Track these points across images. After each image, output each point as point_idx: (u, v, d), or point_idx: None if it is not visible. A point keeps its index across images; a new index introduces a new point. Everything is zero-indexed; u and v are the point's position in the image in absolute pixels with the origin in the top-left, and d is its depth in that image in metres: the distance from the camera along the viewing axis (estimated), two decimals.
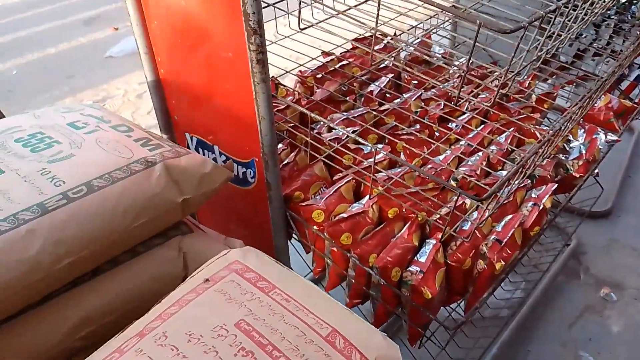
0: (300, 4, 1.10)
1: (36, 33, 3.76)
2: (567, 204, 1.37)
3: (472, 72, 1.42)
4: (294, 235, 1.12)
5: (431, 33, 1.61)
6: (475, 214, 1.01)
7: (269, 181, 0.97)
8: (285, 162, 1.13)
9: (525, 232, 1.01)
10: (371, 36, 1.52)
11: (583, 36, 1.98)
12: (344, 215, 1.00)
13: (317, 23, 1.10)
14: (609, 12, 2.15)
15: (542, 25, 0.89)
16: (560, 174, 1.22)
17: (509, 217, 1.01)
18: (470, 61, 1.48)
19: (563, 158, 1.25)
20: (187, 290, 0.62)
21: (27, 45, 3.58)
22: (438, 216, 1.00)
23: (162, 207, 0.82)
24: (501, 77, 0.76)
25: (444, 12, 1.49)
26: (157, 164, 0.81)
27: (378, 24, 1.22)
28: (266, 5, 1.23)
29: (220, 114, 1.00)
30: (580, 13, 0.93)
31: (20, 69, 3.30)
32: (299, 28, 1.11)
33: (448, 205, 1.01)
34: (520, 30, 0.72)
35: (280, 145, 1.18)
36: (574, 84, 1.93)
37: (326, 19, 1.15)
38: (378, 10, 0.85)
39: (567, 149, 1.29)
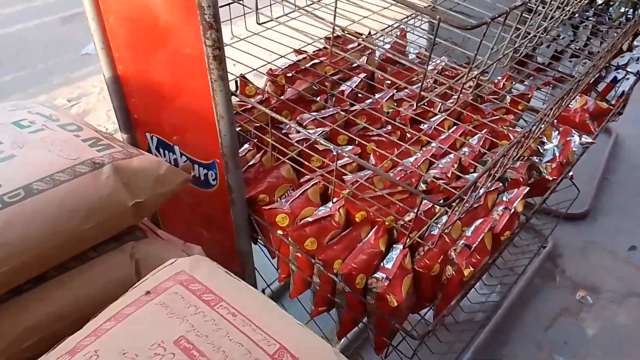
0: None
1: (13, 31, 3.68)
2: (543, 206, 1.35)
3: (446, 73, 1.40)
4: (259, 240, 1.08)
5: (407, 32, 1.58)
6: (444, 218, 0.98)
7: (230, 184, 0.93)
8: (250, 163, 1.09)
9: (495, 237, 0.98)
10: (345, 34, 1.49)
11: (561, 37, 1.96)
12: (309, 219, 0.96)
13: (277, 17, 1.06)
14: (587, 13, 2.14)
15: (513, 23, 0.86)
16: (533, 177, 1.20)
17: (479, 221, 0.98)
18: (443, 61, 1.46)
19: (536, 160, 1.22)
20: (126, 303, 0.58)
21: (2, 43, 3.50)
22: (407, 219, 0.97)
23: (111, 210, 0.78)
24: (466, 77, 0.72)
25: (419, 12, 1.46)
26: (105, 165, 0.77)
27: (348, 23, 1.19)
28: (232, 1, 1.19)
29: (179, 113, 0.96)
30: (550, 11, 0.90)
31: None
32: (258, 22, 1.06)
33: (415, 210, 0.98)
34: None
35: (246, 146, 1.14)
36: (551, 85, 1.92)
37: (287, 14, 1.11)
38: (335, 8, 0.80)
39: (541, 151, 1.27)
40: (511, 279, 1.84)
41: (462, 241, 0.95)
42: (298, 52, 1.45)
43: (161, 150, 1.08)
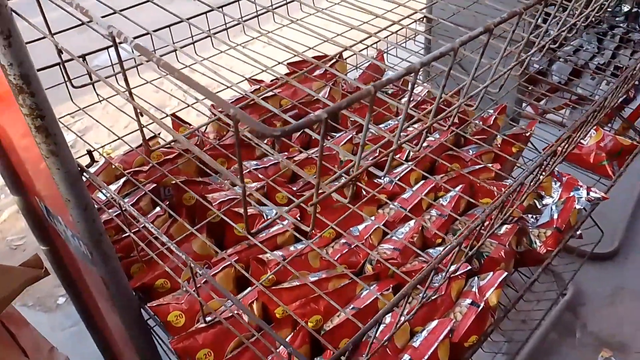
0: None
1: None
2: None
3: (423, 106, 1.15)
4: None
5: (387, 51, 1.34)
6: (389, 318, 0.75)
7: (102, 278, 0.72)
8: (154, 235, 0.88)
9: (455, 346, 0.74)
10: (316, 57, 1.26)
11: (583, 49, 1.68)
12: (209, 319, 0.74)
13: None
14: (617, 18, 1.84)
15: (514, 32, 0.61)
16: (523, 245, 0.94)
17: (434, 324, 0.74)
18: (426, 87, 1.21)
19: (530, 222, 0.97)
20: None
21: None
22: (335, 322, 0.74)
23: None
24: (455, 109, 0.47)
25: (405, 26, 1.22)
26: None
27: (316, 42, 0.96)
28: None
29: (50, 182, 0.76)
30: (570, 14, 0.65)
31: None
32: (73, 86, 0.87)
33: (352, 306, 0.75)
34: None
35: (157, 210, 0.93)
36: (569, 107, 1.64)
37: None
38: None
39: (538, 206, 1.01)
40: (522, 335, 1.58)
41: (406, 355, 0.71)
42: (252, 81, 1.23)
43: (51, 218, 0.88)
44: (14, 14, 0.52)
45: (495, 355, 1.53)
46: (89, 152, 0.90)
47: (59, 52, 0.59)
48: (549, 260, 0.91)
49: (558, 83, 1.58)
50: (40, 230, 0.99)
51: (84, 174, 0.68)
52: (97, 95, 0.98)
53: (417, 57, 1.55)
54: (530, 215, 0.99)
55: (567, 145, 0.79)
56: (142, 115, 0.44)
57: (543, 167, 0.71)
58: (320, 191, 0.44)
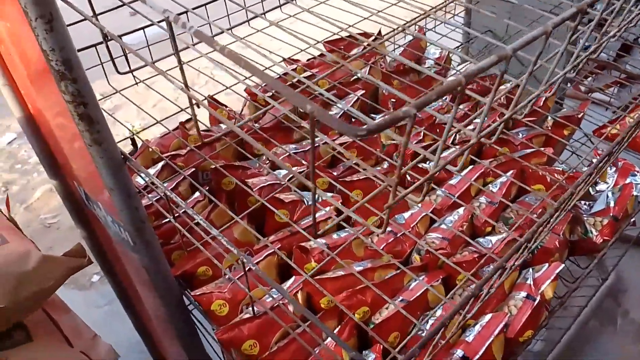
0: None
1: None
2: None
3: (472, 85, 1.10)
4: None
5: (428, 30, 1.28)
6: (440, 311, 0.72)
7: (144, 266, 0.71)
8: (195, 221, 0.86)
9: (510, 342, 0.71)
10: (349, 36, 1.22)
11: (631, 24, 1.58)
12: (255, 309, 0.72)
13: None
14: None
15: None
16: (577, 234, 0.89)
17: (487, 317, 0.71)
18: (473, 63, 1.15)
19: (583, 209, 0.92)
20: None
21: None
22: (385, 315, 0.71)
23: None
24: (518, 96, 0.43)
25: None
26: None
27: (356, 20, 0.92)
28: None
29: (89, 168, 0.74)
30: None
31: None
32: (118, 72, 0.83)
33: (401, 298, 0.72)
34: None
35: (196, 195, 0.91)
36: (617, 86, 1.56)
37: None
38: None
39: (592, 193, 0.96)
40: (562, 322, 1.53)
41: (459, 350, 0.68)
42: (289, 61, 1.19)
43: (91, 204, 0.87)
44: None
45: (536, 342, 1.49)
46: (132, 139, 0.88)
47: (105, 36, 0.57)
48: (605, 250, 0.86)
49: (606, 60, 1.50)
50: (78, 213, 0.98)
51: (126, 161, 0.65)
52: (134, 77, 0.95)
53: (457, 33, 1.49)
54: (583, 202, 0.94)
55: (632, 132, 0.74)
56: (198, 107, 0.41)
57: (610, 157, 0.67)
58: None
